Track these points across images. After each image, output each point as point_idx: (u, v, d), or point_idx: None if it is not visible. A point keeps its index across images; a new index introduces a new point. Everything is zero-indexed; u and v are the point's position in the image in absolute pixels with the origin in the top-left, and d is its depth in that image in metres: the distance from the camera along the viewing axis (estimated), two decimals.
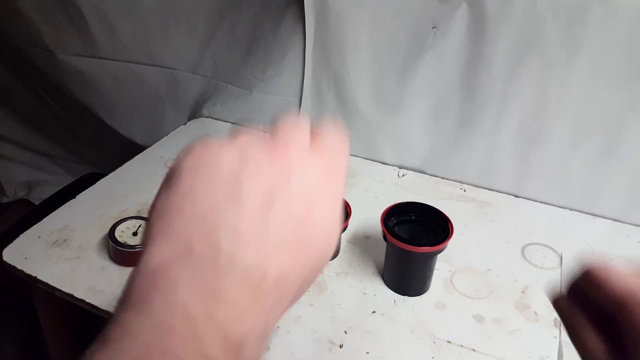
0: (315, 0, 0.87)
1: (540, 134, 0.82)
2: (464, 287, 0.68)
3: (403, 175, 0.94)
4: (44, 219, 0.77)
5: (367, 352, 0.58)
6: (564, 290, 0.33)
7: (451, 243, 0.62)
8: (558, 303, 0.33)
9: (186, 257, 0.22)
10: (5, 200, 1.55)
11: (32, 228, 0.74)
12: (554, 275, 0.71)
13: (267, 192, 0.23)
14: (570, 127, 0.80)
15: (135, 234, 0.70)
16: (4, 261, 0.68)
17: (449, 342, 0.60)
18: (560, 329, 0.62)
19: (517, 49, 0.77)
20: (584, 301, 0.31)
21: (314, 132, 0.28)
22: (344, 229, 0.72)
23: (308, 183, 0.24)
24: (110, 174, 0.89)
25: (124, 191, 0.84)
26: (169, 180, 0.25)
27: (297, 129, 0.27)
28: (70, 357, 0.86)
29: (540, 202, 0.87)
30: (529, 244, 0.77)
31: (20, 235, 0.73)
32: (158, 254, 0.22)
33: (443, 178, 0.92)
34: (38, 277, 0.66)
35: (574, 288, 0.32)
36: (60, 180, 1.54)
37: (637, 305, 0.27)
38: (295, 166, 0.24)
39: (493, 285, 0.69)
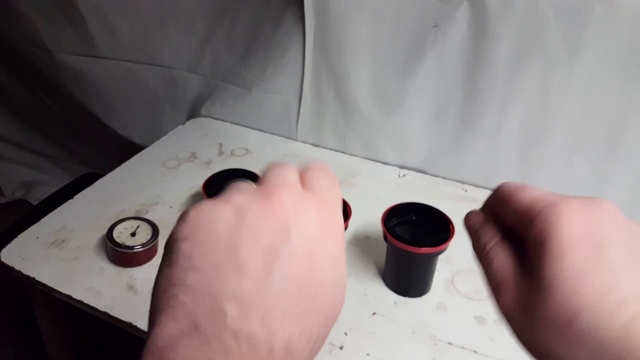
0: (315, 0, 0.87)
1: (542, 134, 0.82)
2: (465, 288, 0.68)
3: (404, 176, 0.93)
4: (42, 220, 0.76)
5: (368, 354, 0.58)
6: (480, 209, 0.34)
7: (452, 244, 0.61)
8: (468, 218, 0.34)
9: (191, 336, 0.21)
10: (3, 200, 1.54)
11: (30, 229, 0.74)
12: None
13: (267, 252, 0.23)
14: (572, 126, 0.79)
15: (133, 234, 0.69)
16: (2, 262, 0.68)
17: (450, 343, 0.60)
18: None
19: (519, 47, 0.77)
20: (495, 218, 0.32)
21: (302, 173, 0.28)
22: (344, 229, 0.72)
23: (307, 233, 0.24)
24: (108, 174, 0.89)
25: (122, 191, 0.84)
26: (168, 253, 0.24)
27: (285, 174, 0.26)
28: (68, 358, 0.85)
29: None
30: None
31: (18, 236, 0.72)
32: (163, 333, 0.22)
33: (444, 178, 0.92)
34: (36, 278, 0.65)
35: (487, 205, 0.34)
36: (58, 181, 1.53)
37: (536, 215, 0.27)
38: (292, 217, 0.24)
39: None
